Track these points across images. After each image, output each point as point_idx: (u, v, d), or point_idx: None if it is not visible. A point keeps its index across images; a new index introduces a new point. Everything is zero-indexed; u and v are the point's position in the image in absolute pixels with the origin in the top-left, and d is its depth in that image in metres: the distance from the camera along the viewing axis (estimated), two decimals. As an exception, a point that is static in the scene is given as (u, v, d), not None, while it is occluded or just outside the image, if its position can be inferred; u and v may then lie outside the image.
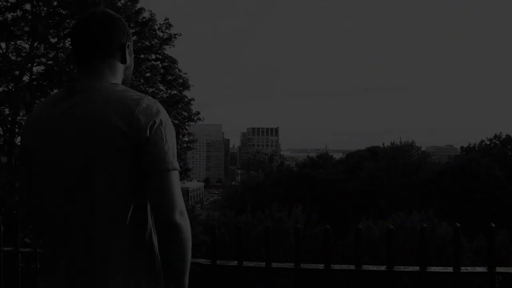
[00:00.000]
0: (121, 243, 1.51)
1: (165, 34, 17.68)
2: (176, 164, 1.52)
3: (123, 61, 1.68)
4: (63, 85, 16.27)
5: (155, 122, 1.49)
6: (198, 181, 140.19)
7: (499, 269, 2.43)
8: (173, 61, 18.31)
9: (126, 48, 1.68)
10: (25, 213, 1.72)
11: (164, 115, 1.54)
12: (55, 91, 16.73)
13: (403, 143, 41.52)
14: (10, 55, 16.10)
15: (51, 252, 1.58)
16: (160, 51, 17.91)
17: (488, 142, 44.25)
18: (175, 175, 1.50)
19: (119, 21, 1.68)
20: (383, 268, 2.55)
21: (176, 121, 17.93)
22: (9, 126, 16.44)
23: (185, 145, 19.59)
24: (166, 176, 1.48)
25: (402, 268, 2.57)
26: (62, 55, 16.27)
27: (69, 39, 16.31)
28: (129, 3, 16.36)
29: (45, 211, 1.58)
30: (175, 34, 17.80)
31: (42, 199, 1.58)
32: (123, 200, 1.50)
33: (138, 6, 16.76)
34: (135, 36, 17.08)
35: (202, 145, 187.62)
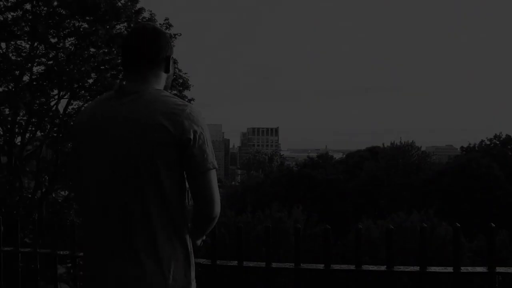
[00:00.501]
0: (161, 229, 1.69)
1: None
2: (215, 163, 1.75)
3: (167, 70, 1.91)
4: (63, 85, 16.32)
5: (197, 129, 1.71)
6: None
7: (499, 269, 2.43)
8: (173, 61, 18.31)
9: (170, 60, 1.92)
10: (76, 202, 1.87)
11: (203, 122, 1.75)
12: (55, 91, 16.83)
13: (403, 143, 41.45)
14: (10, 55, 16.09)
15: (91, 245, 1.77)
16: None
17: (488, 142, 44.15)
18: (213, 173, 1.75)
19: (165, 36, 1.91)
20: (383, 268, 2.55)
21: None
22: (9, 126, 16.44)
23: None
24: (207, 176, 1.72)
25: (402, 268, 2.58)
26: (62, 55, 16.27)
27: (69, 39, 16.33)
28: (129, 3, 16.35)
29: (90, 200, 1.76)
30: (175, 34, 17.80)
31: (88, 189, 1.77)
32: (164, 190, 1.69)
33: (138, 6, 16.76)
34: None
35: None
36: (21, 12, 15.70)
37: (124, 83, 1.83)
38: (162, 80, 1.89)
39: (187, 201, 1.79)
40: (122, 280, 1.67)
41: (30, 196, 17.00)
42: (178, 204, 1.74)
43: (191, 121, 1.70)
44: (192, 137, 1.68)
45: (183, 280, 1.73)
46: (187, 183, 1.77)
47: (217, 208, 1.77)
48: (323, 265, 2.60)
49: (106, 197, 1.72)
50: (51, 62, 16.30)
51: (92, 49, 16.20)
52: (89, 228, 1.78)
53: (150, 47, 1.84)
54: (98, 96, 1.92)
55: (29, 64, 16.16)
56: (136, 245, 1.67)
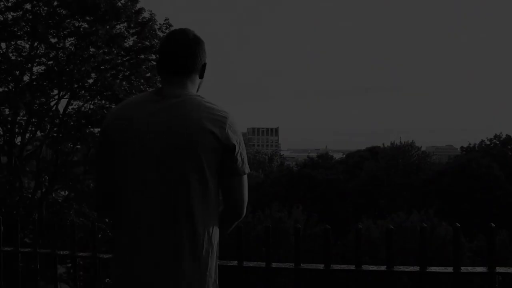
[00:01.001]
0: (202, 227, 1.78)
1: (165, 34, 17.62)
2: (249, 168, 1.89)
3: (201, 76, 1.98)
4: (63, 85, 16.31)
5: (238, 136, 1.84)
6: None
7: (499, 269, 2.43)
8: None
9: (205, 66, 1.99)
10: (98, 204, 1.99)
11: (239, 130, 1.88)
12: (55, 91, 16.81)
13: (403, 143, 41.43)
14: (10, 55, 16.08)
15: (132, 237, 1.78)
16: (160, 51, 17.89)
17: (488, 142, 44.06)
18: (246, 178, 1.89)
19: (203, 43, 1.97)
20: (383, 268, 2.55)
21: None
22: (9, 126, 16.42)
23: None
24: (243, 179, 1.87)
25: (402, 268, 2.58)
26: (62, 55, 16.26)
27: (69, 39, 16.31)
28: (129, 3, 16.33)
29: (134, 199, 1.79)
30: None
31: (133, 188, 1.79)
32: (207, 191, 1.79)
33: (138, 6, 16.73)
34: (135, 36, 17.06)
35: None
36: (21, 12, 15.69)
37: (162, 86, 1.89)
38: (196, 85, 1.97)
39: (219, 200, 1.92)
40: (163, 275, 1.73)
41: (30, 196, 16.98)
42: (215, 204, 1.85)
43: (233, 130, 1.82)
44: (236, 143, 1.81)
45: (213, 277, 1.85)
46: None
47: (245, 209, 1.93)
48: (323, 265, 2.61)
49: (151, 197, 1.76)
50: (51, 62, 16.28)
51: (92, 49, 16.19)
52: (128, 225, 1.80)
53: (192, 54, 1.91)
54: (133, 97, 1.96)
55: (29, 64, 16.14)
56: (180, 242, 1.74)
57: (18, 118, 16.38)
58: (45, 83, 16.35)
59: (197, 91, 1.99)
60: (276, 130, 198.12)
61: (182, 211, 1.75)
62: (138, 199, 1.78)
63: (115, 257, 1.85)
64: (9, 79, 15.86)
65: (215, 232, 1.85)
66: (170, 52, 1.91)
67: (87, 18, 15.96)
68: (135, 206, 1.78)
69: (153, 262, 1.74)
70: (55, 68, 16.01)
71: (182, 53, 1.90)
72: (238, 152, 1.82)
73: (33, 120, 16.62)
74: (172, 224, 1.74)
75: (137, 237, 1.77)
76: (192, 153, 1.75)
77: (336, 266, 2.61)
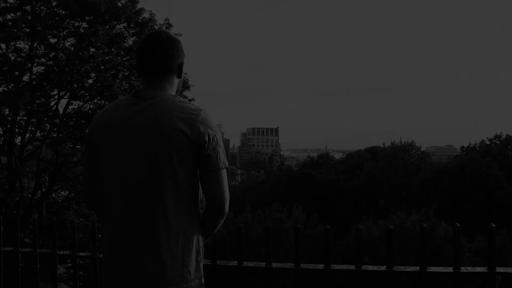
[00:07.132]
0: (177, 224, 1.83)
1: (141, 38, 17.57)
2: (226, 163, 1.90)
3: (179, 76, 2.04)
4: (63, 85, 16.30)
5: (210, 132, 1.85)
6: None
7: (499, 269, 2.43)
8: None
9: (183, 66, 2.04)
10: (87, 200, 2.11)
11: (215, 125, 1.90)
12: (55, 91, 16.79)
13: (403, 143, 41.44)
14: (10, 55, 16.06)
15: (112, 234, 1.87)
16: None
17: (488, 142, 44.01)
18: (224, 172, 1.90)
19: (179, 43, 2.02)
20: (383, 268, 2.55)
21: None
22: (9, 126, 16.41)
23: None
24: (219, 174, 1.87)
25: (402, 268, 2.58)
26: (62, 55, 16.25)
27: (69, 39, 16.31)
28: (129, 4, 16.32)
29: (113, 197, 1.87)
30: (175, 34, 17.73)
31: (112, 186, 1.88)
32: (181, 188, 1.83)
33: (138, 6, 16.72)
34: (135, 37, 17.04)
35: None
36: (20, 13, 15.67)
37: (140, 88, 1.95)
38: (175, 85, 2.01)
39: (199, 199, 1.91)
40: (140, 272, 1.80)
41: (30, 196, 16.98)
42: (193, 201, 1.88)
43: (205, 125, 1.84)
44: (207, 139, 1.83)
45: (195, 274, 1.87)
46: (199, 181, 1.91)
47: (227, 204, 1.91)
48: (323, 265, 2.61)
49: (128, 195, 1.84)
50: (51, 62, 16.27)
51: (91, 49, 16.18)
52: (109, 222, 1.90)
53: (166, 55, 1.95)
54: (115, 100, 2.02)
55: (29, 64, 16.12)
56: (155, 238, 1.80)
57: (18, 118, 16.36)
58: (45, 83, 16.34)
59: (177, 90, 2.04)
60: (276, 130, 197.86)
61: (157, 209, 1.81)
62: (117, 198, 1.86)
63: (103, 255, 1.94)
64: (8, 77, 15.83)
65: (192, 229, 1.87)
66: (145, 56, 1.96)
67: (87, 18, 15.95)
68: (115, 205, 1.87)
69: (135, 259, 1.81)
70: (55, 68, 15.98)
71: (157, 55, 1.95)
72: (210, 147, 1.84)
73: (33, 120, 16.61)
74: (148, 221, 1.81)
75: (119, 235, 1.85)
76: (164, 154, 1.80)
77: (336, 266, 2.61)
